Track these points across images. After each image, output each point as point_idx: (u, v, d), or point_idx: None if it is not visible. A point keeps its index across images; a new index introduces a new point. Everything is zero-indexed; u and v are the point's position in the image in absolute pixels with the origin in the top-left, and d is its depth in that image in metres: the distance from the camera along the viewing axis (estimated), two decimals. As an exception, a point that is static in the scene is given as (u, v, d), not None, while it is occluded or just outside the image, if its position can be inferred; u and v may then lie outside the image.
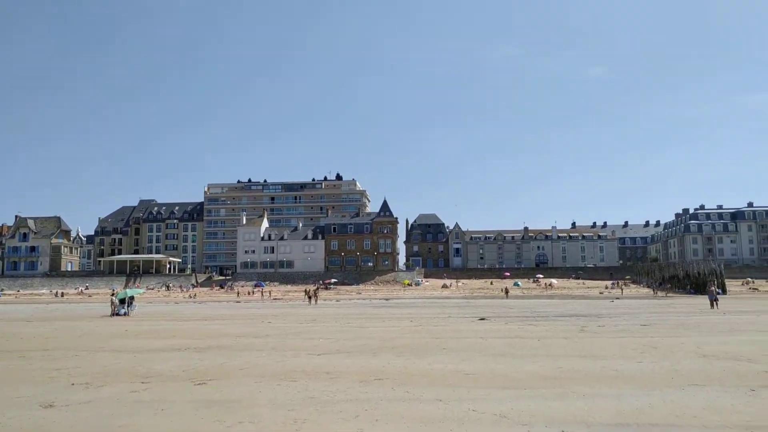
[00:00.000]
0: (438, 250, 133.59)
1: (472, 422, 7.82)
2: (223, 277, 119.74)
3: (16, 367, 14.11)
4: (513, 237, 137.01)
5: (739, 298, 59.16)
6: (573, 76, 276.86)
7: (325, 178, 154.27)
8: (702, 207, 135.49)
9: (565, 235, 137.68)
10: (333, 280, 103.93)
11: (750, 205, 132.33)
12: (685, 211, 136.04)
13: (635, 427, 7.47)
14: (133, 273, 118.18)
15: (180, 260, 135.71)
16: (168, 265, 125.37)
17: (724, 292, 66.62)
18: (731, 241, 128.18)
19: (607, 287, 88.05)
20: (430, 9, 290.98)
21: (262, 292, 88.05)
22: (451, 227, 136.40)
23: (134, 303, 40.77)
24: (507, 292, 73.17)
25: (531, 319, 29.56)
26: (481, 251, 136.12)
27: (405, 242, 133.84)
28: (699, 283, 71.61)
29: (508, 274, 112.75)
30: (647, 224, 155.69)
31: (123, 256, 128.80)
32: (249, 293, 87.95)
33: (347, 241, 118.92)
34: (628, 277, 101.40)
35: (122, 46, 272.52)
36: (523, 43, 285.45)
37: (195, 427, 7.87)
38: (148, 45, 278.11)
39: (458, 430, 7.45)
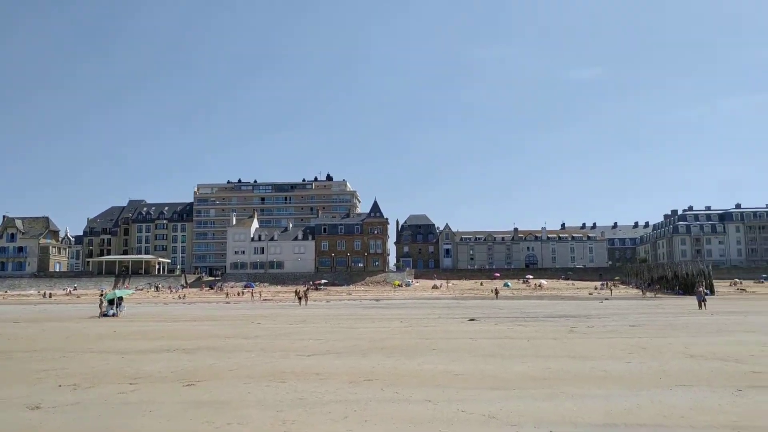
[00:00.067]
0: (428, 250, 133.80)
1: (461, 423, 7.83)
2: (213, 278, 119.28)
3: (3, 368, 13.97)
4: (503, 238, 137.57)
5: (727, 299, 59.60)
6: (562, 76, 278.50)
7: (316, 179, 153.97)
8: (690, 208, 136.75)
9: (555, 236, 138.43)
10: (323, 281, 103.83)
11: (738, 206, 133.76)
12: (674, 212, 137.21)
13: (623, 427, 7.50)
14: (122, 274, 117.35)
15: (169, 261, 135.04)
16: (157, 266, 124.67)
17: (712, 292, 67.11)
18: (719, 242, 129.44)
19: (596, 288, 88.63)
20: (420, 8, 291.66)
21: (252, 292, 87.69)
22: (442, 228, 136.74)
23: (123, 304, 40.60)
24: (497, 292, 73.30)
25: (521, 319, 29.66)
26: (471, 252, 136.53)
27: (395, 243, 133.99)
28: (687, 283, 72.04)
29: (498, 274, 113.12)
30: (636, 225, 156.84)
31: (112, 257, 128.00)
32: (239, 294, 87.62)
33: (337, 242, 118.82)
34: (617, 277, 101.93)
35: (110, 48, 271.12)
36: (513, 43, 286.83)
37: (184, 429, 7.83)
38: (136, 47, 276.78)
39: (447, 431, 7.46)
